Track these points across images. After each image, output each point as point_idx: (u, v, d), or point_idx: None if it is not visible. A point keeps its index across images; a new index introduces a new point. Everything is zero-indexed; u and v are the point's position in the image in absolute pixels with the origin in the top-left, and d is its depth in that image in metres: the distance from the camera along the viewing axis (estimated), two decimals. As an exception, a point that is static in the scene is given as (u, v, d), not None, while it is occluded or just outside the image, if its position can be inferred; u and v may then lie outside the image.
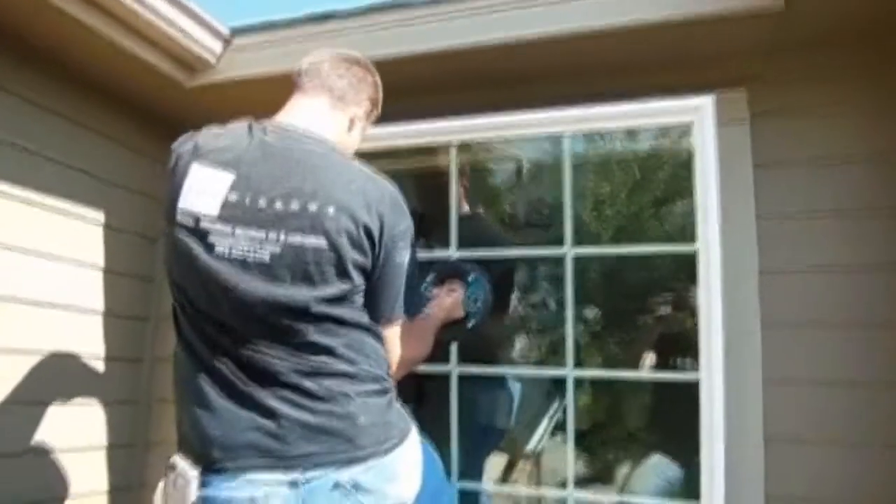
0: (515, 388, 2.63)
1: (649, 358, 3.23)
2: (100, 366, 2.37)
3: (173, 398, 1.38)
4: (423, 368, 2.02)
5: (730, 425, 1.87)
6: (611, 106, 2.05)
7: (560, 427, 3.58)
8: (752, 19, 1.77)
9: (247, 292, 1.26)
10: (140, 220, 2.57)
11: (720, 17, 1.78)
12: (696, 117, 1.97)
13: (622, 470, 3.67)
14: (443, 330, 1.81)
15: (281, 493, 1.23)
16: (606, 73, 2.08)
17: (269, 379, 1.26)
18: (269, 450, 1.24)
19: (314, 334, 1.28)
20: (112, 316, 2.41)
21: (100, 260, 2.39)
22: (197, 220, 1.28)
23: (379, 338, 1.39)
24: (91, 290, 2.36)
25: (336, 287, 1.29)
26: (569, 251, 2.09)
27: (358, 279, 1.32)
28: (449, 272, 2.02)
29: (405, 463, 1.36)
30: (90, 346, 2.34)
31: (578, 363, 2.11)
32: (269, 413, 1.25)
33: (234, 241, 1.26)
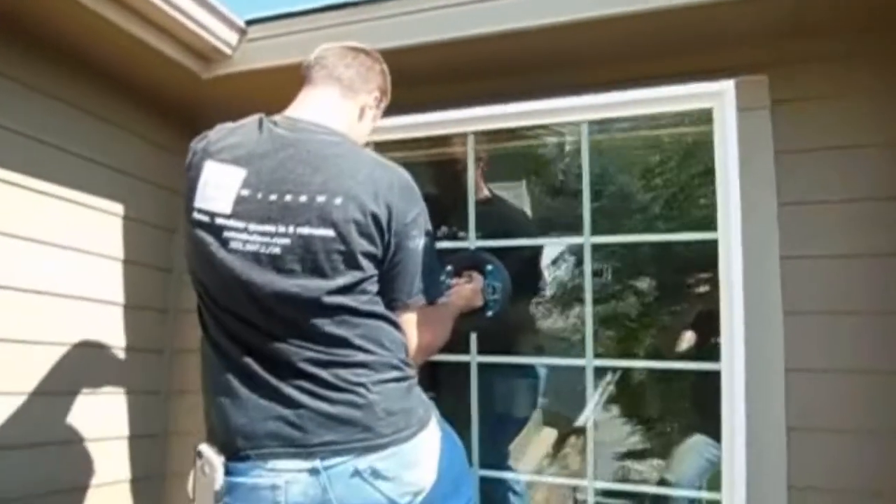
0: (541, 373, 2.62)
1: (688, 337, 3.18)
2: (121, 357, 2.40)
3: (201, 389, 1.41)
4: (443, 358, 2.06)
5: (751, 415, 1.85)
6: (629, 92, 2.03)
7: (612, 400, 3.57)
8: (771, 1, 1.74)
9: (261, 286, 1.29)
10: (158, 211, 2.59)
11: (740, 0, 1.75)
12: (717, 103, 1.94)
13: (665, 449, 3.64)
14: (461, 320, 1.81)
15: (301, 479, 1.26)
16: (626, 60, 2.07)
17: (287, 370, 1.29)
18: (289, 438, 1.27)
19: (328, 326, 1.30)
20: (132, 307, 2.45)
21: (119, 252, 2.42)
22: (212, 217, 1.32)
23: (396, 325, 1.40)
24: (111, 282, 2.39)
25: (347, 277, 1.30)
26: (587, 240, 2.08)
27: (369, 268, 1.33)
28: (467, 263, 2.03)
29: (425, 450, 1.37)
30: (111, 337, 2.38)
31: (598, 354, 2.08)
32: (289, 403, 1.28)
33: (248, 237, 1.30)
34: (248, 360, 1.31)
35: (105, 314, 2.35)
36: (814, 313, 1.90)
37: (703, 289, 3.30)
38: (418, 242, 1.40)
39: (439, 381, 2.34)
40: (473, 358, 2.16)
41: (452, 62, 2.12)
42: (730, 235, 1.88)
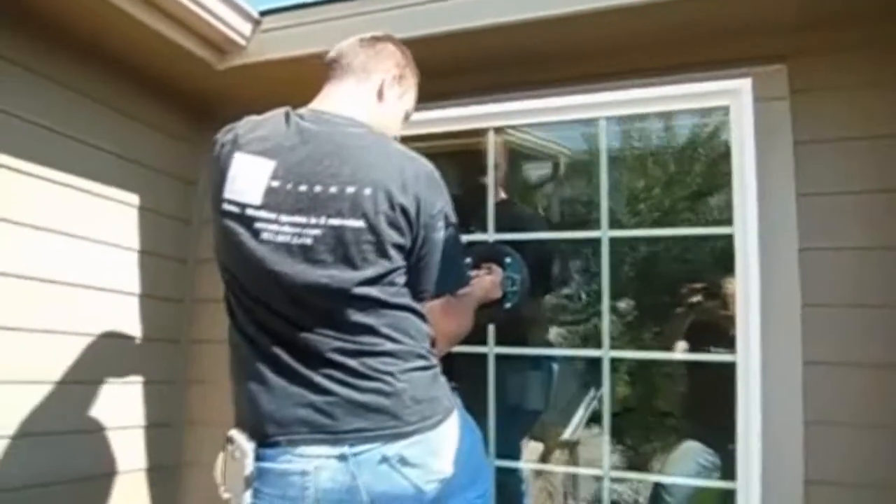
0: (554, 369, 2.63)
1: (681, 346, 3.21)
2: (137, 347, 2.43)
3: (229, 376, 1.43)
4: (461, 349, 2.06)
5: (767, 407, 1.86)
6: (647, 89, 2.05)
7: (595, 419, 3.58)
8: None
9: (292, 276, 1.31)
10: (174, 202, 2.62)
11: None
12: (734, 100, 1.98)
13: (658, 455, 3.62)
14: (479, 311, 1.83)
15: (330, 465, 1.28)
16: (645, 50, 2.06)
17: (316, 359, 1.31)
18: (319, 425, 1.29)
19: (357, 315, 1.32)
20: (148, 297, 2.47)
21: (135, 242, 2.44)
22: (243, 208, 1.34)
23: (421, 316, 1.42)
24: (127, 272, 2.41)
25: (376, 268, 1.32)
26: (604, 234, 2.11)
27: (397, 259, 1.35)
28: (486, 255, 2.05)
29: (449, 438, 1.39)
30: (127, 327, 2.40)
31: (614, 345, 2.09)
32: (319, 390, 1.30)
33: (279, 227, 1.32)
34: (277, 349, 1.33)
35: (121, 304, 2.38)
36: (832, 306, 1.88)
37: (696, 299, 3.29)
38: (445, 233, 1.42)
39: (456, 373, 2.36)
40: (491, 349, 2.20)
41: (466, 52, 2.12)
42: (746, 231, 1.91)
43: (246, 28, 2.26)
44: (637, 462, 3.84)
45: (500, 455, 2.16)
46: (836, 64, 1.95)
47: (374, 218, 1.31)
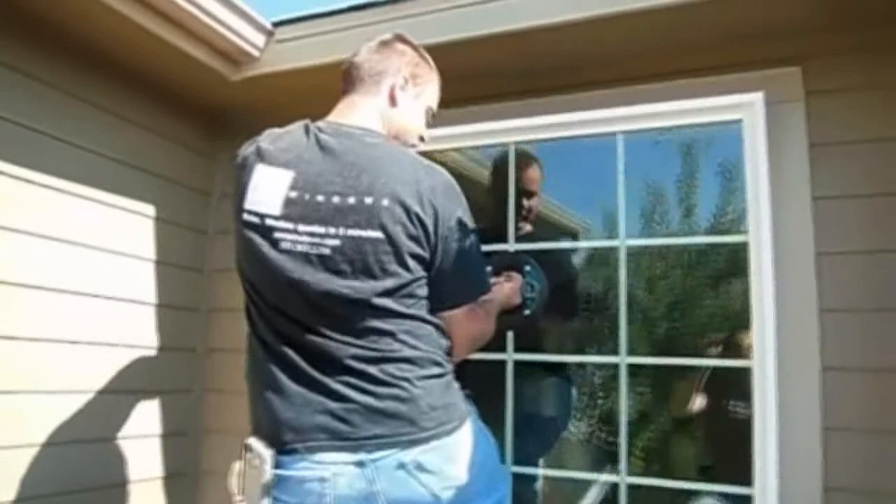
0: (573, 393, 2.65)
1: (698, 401, 3.18)
2: (154, 356, 2.46)
3: (246, 385, 1.45)
4: (480, 356, 2.14)
5: (785, 413, 1.85)
6: (660, 104, 2.09)
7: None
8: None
9: (311, 285, 1.33)
10: (189, 213, 2.65)
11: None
12: (746, 114, 2.00)
13: None
14: (500, 318, 1.85)
15: (348, 471, 1.29)
16: (659, 55, 2.07)
17: (334, 365, 1.33)
18: (336, 432, 1.30)
19: (375, 322, 1.35)
20: (164, 307, 2.50)
21: (151, 252, 2.47)
22: (262, 218, 1.37)
23: (437, 327, 1.44)
24: (144, 283, 2.45)
25: (395, 279, 1.35)
26: (622, 243, 2.15)
27: (416, 270, 1.37)
28: (506, 263, 2.09)
29: (465, 444, 1.40)
30: (144, 336, 2.44)
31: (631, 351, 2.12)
32: (337, 397, 1.32)
33: (297, 237, 1.35)
34: (296, 357, 1.35)
35: (138, 314, 2.41)
36: (850, 311, 1.86)
37: (716, 350, 3.26)
38: (464, 242, 1.43)
39: (477, 381, 2.39)
40: (510, 356, 2.23)
41: (480, 60, 2.13)
42: (760, 240, 1.93)
43: (259, 39, 2.29)
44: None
45: (518, 463, 2.18)
46: (852, 65, 1.93)
47: (392, 228, 1.33)
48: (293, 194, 1.36)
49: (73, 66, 2.17)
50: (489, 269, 2.01)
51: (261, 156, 1.42)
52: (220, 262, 2.63)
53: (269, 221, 1.36)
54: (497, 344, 2.17)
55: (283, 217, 1.36)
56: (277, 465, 1.32)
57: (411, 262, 1.36)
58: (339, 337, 1.34)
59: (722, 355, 3.02)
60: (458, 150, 2.49)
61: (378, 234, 1.33)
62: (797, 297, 1.89)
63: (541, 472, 2.40)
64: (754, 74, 2.01)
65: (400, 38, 1.62)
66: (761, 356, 1.90)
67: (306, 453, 1.31)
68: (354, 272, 1.33)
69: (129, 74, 2.33)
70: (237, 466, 1.39)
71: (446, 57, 2.02)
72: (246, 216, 1.39)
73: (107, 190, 2.29)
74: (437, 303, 1.45)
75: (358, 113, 1.51)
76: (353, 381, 1.32)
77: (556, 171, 2.68)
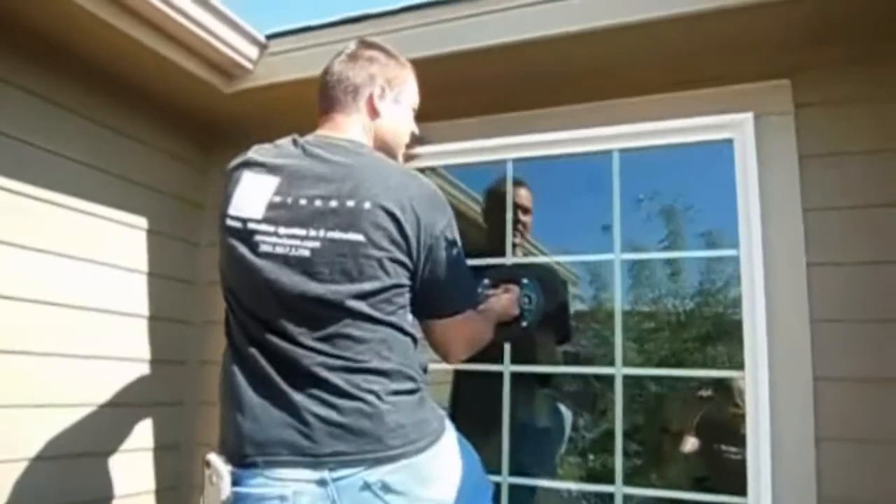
0: (567, 419, 2.66)
1: (690, 442, 3.19)
2: (145, 369, 2.46)
3: (217, 398, 1.43)
4: (478, 367, 2.24)
5: (778, 423, 1.86)
6: (654, 123, 2.14)
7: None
8: (792, 4, 1.75)
9: (289, 287, 1.33)
10: (182, 225, 2.66)
11: (760, 4, 1.76)
12: (737, 133, 2.05)
13: None
14: (499, 330, 1.87)
15: (309, 490, 1.26)
16: (648, 68, 2.09)
17: (300, 374, 1.31)
18: (298, 447, 1.27)
19: (348, 328, 1.32)
20: (156, 319, 2.50)
21: (144, 265, 2.48)
22: (244, 222, 1.38)
23: (415, 340, 1.43)
24: (136, 295, 2.45)
25: (374, 283, 1.33)
26: (617, 256, 2.20)
27: (397, 275, 1.36)
28: (504, 276, 2.12)
29: (440, 464, 1.36)
30: (136, 349, 2.43)
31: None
32: (299, 411, 1.28)
33: (278, 240, 1.35)
34: (264, 364, 1.33)
35: (129, 326, 2.41)
36: (842, 321, 1.88)
37: (706, 393, 3.27)
38: (451, 252, 1.43)
39: (471, 396, 2.48)
40: (507, 367, 2.26)
41: (472, 73, 2.15)
42: (751, 254, 1.96)
43: (252, 52, 2.30)
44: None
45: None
46: (841, 78, 1.96)
47: (372, 233, 1.33)
48: (276, 199, 1.37)
49: (66, 79, 2.18)
50: (487, 281, 2.08)
51: (248, 165, 1.44)
52: (212, 275, 2.57)
53: (250, 225, 1.37)
54: (494, 355, 2.21)
55: (265, 220, 1.36)
56: (237, 482, 1.29)
57: (391, 267, 1.35)
58: (308, 343, 1.31)
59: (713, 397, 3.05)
60: (434, 169, 2.50)
61: (358, 237, 1.32)
62: (789, 307, 1.91)
63: (538, 483, 2.41)
64: (744, 87, 2.04)
65: (365, 45, 1.61)
66: (753, 367, 1.92)
67: (265, 468, 1.28)
68: (332, 274, 1.32)
69: (122, 87, 2.34)
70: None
71: (441, 69, 2.05)
72: (229, 222, 1.40)
73: (98, 202, 2.29)
74: (427, 312, 1.46)
75: (342, 128, 1.52)
76: (316, 392, 1.29)
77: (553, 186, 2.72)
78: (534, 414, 2.60)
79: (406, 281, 1.38)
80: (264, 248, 1.35)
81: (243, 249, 1.36)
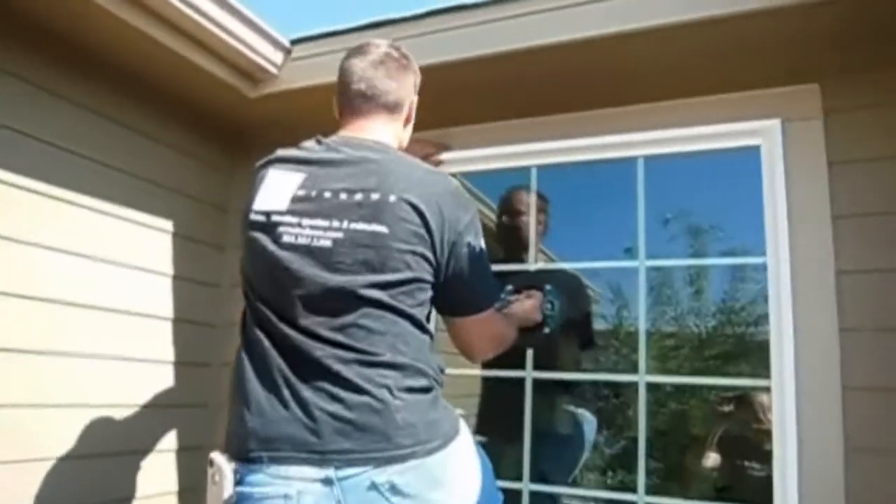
0: (590, 430, 2.65)
1: (712, 458, 3.15)
2: (169, 370, 2.49)
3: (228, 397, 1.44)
4: (500, 373, 2.28)
5: (805, 433, 1.85)
6: (680, 129, 2.14)
7: None
8: (822, 7, 1.73)
9: (309, 277, 1.33)
10: (207, 228, 2.70)
11: (789, 8, 1.74)
12: (764, 140, 2.03)
13: None
14: (521, 335, 1.88)
15: (314, 490, 1.24)
16: (677, 72, 2.08)
17: (311, 368, 1.30)
18: (303, 443, 1.25)
19: (365, 319, 1.32)
20: (181, 322, 2.54)
21: (169, 267, 2.52)
22: (268, 215, 1.40)
23: (431, 338, 1.43)
24: (160, 297, 2.49)
25: (396, 275, 1.34)
26: (641, 263, 2.19)
27: (419, 269, 1.37)
28: (527, 282, 2.14)
29: (452, 467, 1.34)
30: (160, 351, 2.47)
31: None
32: (307, 406, 1.27)
33: (300, 230, 1.36)
34: (275, 356, 1.32)
35: (154, 328, 2.44)
36: (871, 329, 1.85)
37: (728, 409, 3.23)
38: (474, 249, 1.44)
39: (494, 402, 2.49)
40: (529, 373, 2.26)
41: (498, 76, 2.15)
42: (779, 261, 1.95)
43: (277, 57, 2.33)
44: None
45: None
46: (871, 82, 1.94)
47: (395, 224, 1.34)
48: (301, 192, 1.39)
49: (94, 83, 2.23)
50: (510, 287, 2.10)
51: (273, 163, 1.48)
52: (236, 278, 2.61)
53: (274, 218, 1.38)
54: (516, 361, 2.22)
55: (289, 212, 1.38)
56: (240, 481, 1.28)
57: (413, 261, 1.35)
58: (324, 333, 1.31)
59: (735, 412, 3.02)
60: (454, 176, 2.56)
61: (382, 229, 1.33)
62: (817, 316, 1.89)
63: (558, 490, 2.41)
64: (772, 91, 2.03)
65: (404, 56, 1.62)
66: (780, 376, 1.90)
67: (269, 463, 1.25)
68: (354, 264, 1.32)
69: (149, 91, 2.38)
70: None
71: (464, 73, 2.06)
72: (252, 216, 1.42)
73: (125, 204, 2.33)
74: (451, 309, 1.48)
75: (370, 133, 1.53)
76: (326, 386, 1.27)
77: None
78: (556, 421, 2.60)
79: (428, 276, 1.39)
80: (287, 238, 1.36)
81: (266, 241, 1.38)
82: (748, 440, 2.83)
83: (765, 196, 2.02)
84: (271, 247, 1.37)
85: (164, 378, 2.47)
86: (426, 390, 1.35)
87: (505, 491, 1.72)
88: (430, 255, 1.38)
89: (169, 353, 2.49)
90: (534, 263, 2.37)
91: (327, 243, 1.34)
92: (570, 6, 1.96)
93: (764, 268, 1.99)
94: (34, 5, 1.92)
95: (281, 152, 1.50)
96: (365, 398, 1.27)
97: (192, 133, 2.62)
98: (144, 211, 2.41)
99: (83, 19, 1.98)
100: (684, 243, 3.21)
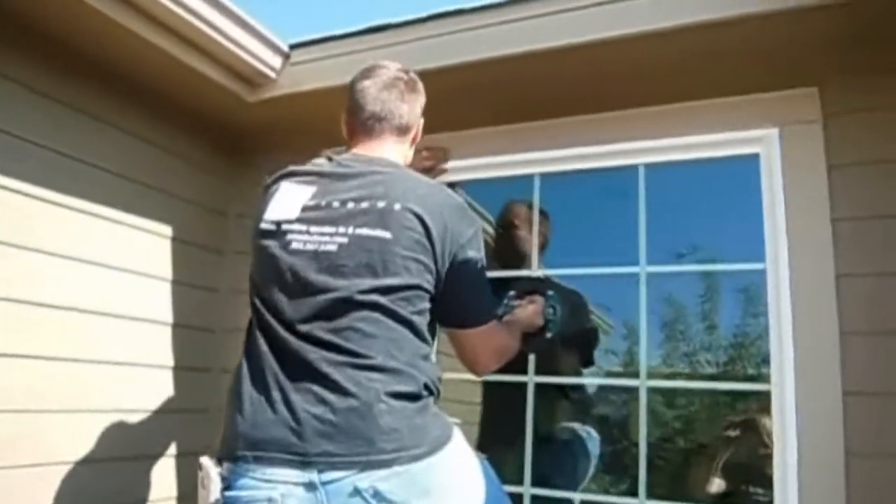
0: (593, 448, 2.67)
1: (717, 484, 3.16)
2: (168, 376, 2.51)
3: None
4: (502, 378, 2.29)
5: (805, 439, 1.85)
6: (680, 138, 2.17)
7: None
8: (821, 11, 1.74)
9: (312, 281, 1.39)
10: (206, 233, 2.71)
11: (787, 11, 1.75)
12: (763, 149, 2.06)
13: None
14: (523, 340, 1.92)
15: (298, 494, 1.26)
16: (675, 75, 2.09)
17: (303, 370, 1.33)
18: (287, 444, 1.28)
19: (362, 322, 1.35)
20: (180, 327, 2.55)
21: (168, 272, 2.53)
22: (278, 224, 1.46)
23: (429, 347, 1.46)
24: (160, 302, 2.50)
25: (396, 279, 1.38)
26: (642, 269, 2.20)
27: (420, 276, 1.41)
28: (529, 287, 2.17)
29: (440, 476, 1.33)
30: (159, 356, 2.48)
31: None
32: (293, 407, 1.30)
33: (309, 237, 1.42)
34: (270, 359, 1.37)
35: (153, 333, 2.46)
36: (872, 333, 1.86)
37: (734, 433, 3.23)
38: (475, 263, 1.48)
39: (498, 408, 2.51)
40: (531, 378, 2.30)
41: (498, 80, 2.17)
42: (777, 266, 1.96)
43: (276, 61, 2.35)
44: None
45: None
46: (871, 85, 1.95)
47: (399, 231, 1.39)
48: (311, 202, 1.46)
49: (94, 88, 2.24)
50: (512, 292, 2.12)
51: (285, 177, 1.54)
52: (235, 283, 2.66)
53: (284, 226, 1.45)
54: (519, 366, 2.23)
55: (298, 220, 1.44)
56: (229, 486, 1.32)
57: (415, 268, 1.40)
58: (319, 336, 1.34)
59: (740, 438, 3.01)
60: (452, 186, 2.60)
61: (386, 235, 1.38)
62: (817, 320, 1.89)
63: (559, 494, 2.41)
64: (771, 95, 2.04)
65: (411, 76, 1.68)
66: (780, 381, 1.92)
67: (254, 463, 1.29)
68: (357, 268, 1.38)
69: (148, 96, 2.40)
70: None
71: (468, 77, 2.07)
72: (263, 225, 1.48)
73: (124, 209, 2.35)
74: (452, 322, 1.53)
75: (379, 152, 1.60)
76: (313, 388, 1.30)
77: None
78: (560, 432, 2.62)
79: (427, 286, 1.42)
80: (295, 245, 1.42)
81: (275, 248, 1.44)
82: (754, 466, 2.83)
83: (763, 201, 2.04)
84: (280, 253, 1.43)
85: (163, 383, 2.48)
86: (415, 397, 1.35)
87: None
88: (430, 264, 1.42)
89: (168, 358, 2.50)
90: (535, 272, 2.39)
91: (333, 248, 1.39)
92: (570, 10, 1.98)
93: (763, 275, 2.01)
94: (29, 7, 1.93)
95: (293, 168, 1.56)
96: (350, 401, 1.29)
97: (190, 137, 2.63)
98: (143, 215, 2.42)
99: (81, 24, 1.99)
100: (696, 279, 3.22)
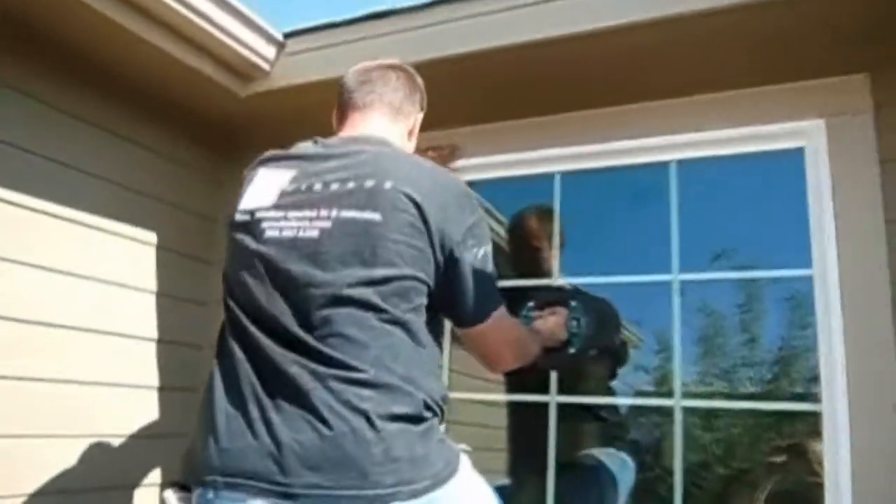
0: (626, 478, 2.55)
1: None
2: (153, 396, 2.41)
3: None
4: (522, 398, 2.28)
5: (859, 461, 1.76)
6: (715, 131, 2.09)
7: None
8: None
9: (293, 273, 1.27)
10: (194, 241, 2.62)
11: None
12: (808, 142, 2.00)
13: None
14: (543, 356, 1.79)
15: None
16: (715, 62, 2.00)
17: (283, 386, 1.20)
18: (264, 475, 1.15)
19: (350, 327, 1.21)
20: (165, 343, 2.46)
21: (152, 284, 2.43)
22: (252, 213, 1.35)
23: (432, 354, 1.32)
24: (143, 316, 2.40)
25: (388, 269, 1.25)
26: (675, 277, 2.12)
27: (415, 265, 1.28)
28: (551, 298, 2.06)
29: None
30: (143, 375, 2.39)
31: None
32: (273, 430, 1.17)
33: (286, 223, 1.32)
34: (247, 370, 1.24)
35: (136, 350, 2.36)
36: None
37: (779, 459, 3.15)
38: (478, 251, 1.37)
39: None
40: (553, 398, 2.20)
41: (511, 70, 2.09)
42: (826, 274, 1.89)
43: (270, 52, 2.26)
44: None
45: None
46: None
47: (391, 214, 1.26)
48: (290, 187, 1.36)
49: (67, 81, 2.15)
50: (532, 304, 2.02)
51: (263, 162, 1.46)
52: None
53: (258, 214, 1.34)
54: (540, 384, 2.17)
55: (275, 207, 1.34)
56: None
57: (409, 255, 1.26)
58: (299, 340, 1.21)
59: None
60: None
61: (374, 217, 1.26)
62: (871, 332, 1.81)
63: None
64: (817, 83, 1.97)
65: (413, 73, 1.63)
66: (831, 401, 1.83)
67: (225, 489, 1.16)
68: (342, 256, 1.25)
69: (129, 90, 2.31)
70: None
71: (478, 67, 2.00)
72: (238, 216, 1.38)
73: (104, 215, 2.26)
74: (460, 318, 1.42)
75: (371, 129, 1.51)
76: (295, 409, 1.16)
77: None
78: (585, 461, 2.48)
79: (424, 276, 1.29)
80: (270, 233, 1.31)
81: (247, 240, 1.33)
82: (801, 496, 2.73)
83: (809, 200, 1.96)
84: (253, 245, 1.32)
85: (146, 405, 2.38)
86: (417, 419, 1.21)
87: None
88: (427, 250, 1.28)
89: (152, 378, 2.40)
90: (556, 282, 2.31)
91: (314, 233, 1.27)
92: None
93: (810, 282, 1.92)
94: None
95: (272, 152, 1.48)
96: (341, 424, 1.15)
97: (177, 136, 2.55)
98: (123, 221, 2.33)
99: (56, 14, 1.91)
100: (735, 286, 3.15)
